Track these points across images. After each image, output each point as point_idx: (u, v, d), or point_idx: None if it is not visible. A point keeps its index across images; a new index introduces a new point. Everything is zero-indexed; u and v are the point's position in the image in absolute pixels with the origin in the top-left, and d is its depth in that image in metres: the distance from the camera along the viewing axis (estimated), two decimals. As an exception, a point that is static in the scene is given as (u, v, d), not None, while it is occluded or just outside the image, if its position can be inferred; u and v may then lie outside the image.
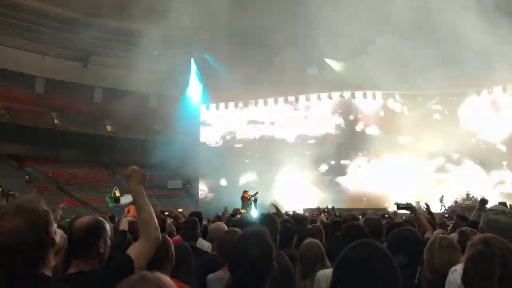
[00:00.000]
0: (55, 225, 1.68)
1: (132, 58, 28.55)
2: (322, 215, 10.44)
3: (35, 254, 1.58)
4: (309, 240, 3.53)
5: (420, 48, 24.70)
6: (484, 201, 5.69)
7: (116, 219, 7.18)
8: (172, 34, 29.64)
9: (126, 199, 11.99)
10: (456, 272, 2.32)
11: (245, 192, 18.82)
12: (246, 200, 16.85)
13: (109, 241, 2.24)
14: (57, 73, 32.26)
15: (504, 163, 25.16)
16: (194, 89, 32.06)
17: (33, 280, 1.57)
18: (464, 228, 3.67)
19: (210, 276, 3.12)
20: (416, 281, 2.34)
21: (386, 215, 9.54)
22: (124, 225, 3.90)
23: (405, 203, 5.56)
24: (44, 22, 31.26)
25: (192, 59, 32.02)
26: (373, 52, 25.90)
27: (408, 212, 5.96)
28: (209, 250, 4.17)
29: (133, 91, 30.32)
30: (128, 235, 3.71)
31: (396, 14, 22.30)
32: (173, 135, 28.57)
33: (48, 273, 1.62)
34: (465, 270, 1.98)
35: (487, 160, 24.95)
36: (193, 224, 4.51)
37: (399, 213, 9.24)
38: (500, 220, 2.69)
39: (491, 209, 2.82)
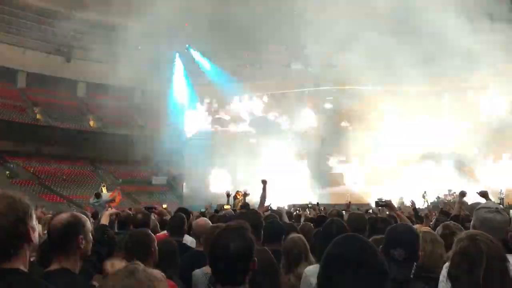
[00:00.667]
0: (35, 221, 1.65)
1: (116, 53, 28.27)
2: (307, 210, 10.50)
3: (7, 243, 1.53)
4: (293, 235, 3.54)
5: (402, 45, 24.95)
6: (463, 194, 5.81)
7: (99, 215, 7.14)
8: (156, 28, 29.39)
9: (107, 195, 11.94)
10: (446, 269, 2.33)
11: (237, 192, 18.92)
12: (237, 200, 16.77)
13: (90, 237, 2.21)
14: (39, 67, 31.76)
15: (485, 160, 25.62)
16: (179, 84, 31.90)
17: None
18: (448, 222, 3.71)
19: (196, 271, 3.11)
20: (411, 276, 2.35)
21: (370, 211, 9.62)
22: (104, 219, 3.87)
23: (383, 200, 5.65)
24: (25, 15, 30.73)
25: (177, 54, 31.84)
26: (356, 49, 26.09)
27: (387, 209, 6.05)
28: (193, 246, 4.16)
29: (117, 85, 30.05)
30: (108, 229, 3.67)
31: (379, 12, 22.51)
32: (158, 130, 28.41)
33: (23, 268, 1.58)
34: (451, 265, 1.99)
35: (465, 157, 25.41)
36: (181, 220, 4.50)
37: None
38: (495, 218, 2.72)
39: (484, 207, 2.84)
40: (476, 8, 21.98)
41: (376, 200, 5.53)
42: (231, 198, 13.11)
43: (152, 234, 3.08)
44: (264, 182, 6.42)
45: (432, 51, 23.34)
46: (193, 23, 28.91)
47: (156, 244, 2.94)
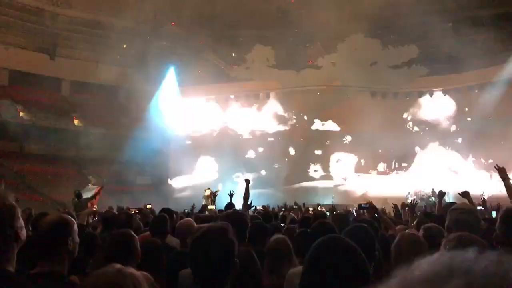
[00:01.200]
0: (21, 220, 1.65)
1: (101, 51, 28.03)
2: (292, 211, 10.52)
3: None
4: (276, 235, 3.57)
5: (388, 46, 25.26)
6: (442, 194, 5.91)
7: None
8: (142, 27, 29.25)
9: (88, 193, 11.84)
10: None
11: (208, 189, 19.03)
12: (207, 198, 16.73)
13: (77, 239, 2.21)
14: (22, 64, 31.30)
15: (470, 158, 26.01)
16: (165, 83, 31.74)
17: None
18: (429, 224, 3.78)
19: (182, 272, 3.12)
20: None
21: (353, 211, 9.70)
22: (82, 219, 3.86)
23: (366, 203, 5.71)
24: (8, 11, 30.27)
25: (163, 53, 31.66)
26: (342, 50, 26.34)
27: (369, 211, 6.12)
28: (178, 247, 4.17)
29: (102, 84, 29.72)
30: (88, 229, 3.67)
31: (366, 13, 22.72)
32: (143, 130, 28.24)
33: (11, 268, 1.59)
34: None
35: (451, 155, 25.78)
36: (163, 221, 4.49)
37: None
38: (467, 219, 2.79)
39: (458, 208, 2.92)
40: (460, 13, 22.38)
41: (359, 203, 5.62)
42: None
43: (135, 235, 3.07)
44: (247, 181, 6.46)
45: (418, 51, 23.69)
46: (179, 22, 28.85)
47: (138, 245, 2.93)
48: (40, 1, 29.84)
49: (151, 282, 2.40)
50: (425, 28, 23.85)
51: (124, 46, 30.36)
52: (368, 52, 25.98)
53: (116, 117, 33.21)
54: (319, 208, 14.13)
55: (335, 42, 27.40)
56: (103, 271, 1.28)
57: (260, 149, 28.78)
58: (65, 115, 32.36)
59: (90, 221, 6.22)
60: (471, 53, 22.52)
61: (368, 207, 5.93)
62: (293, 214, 9.44)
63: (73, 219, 2.27)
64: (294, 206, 11.92)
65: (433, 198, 21.45)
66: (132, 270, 1.32)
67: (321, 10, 24.73)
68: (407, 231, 3.81)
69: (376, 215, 5.50)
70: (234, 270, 1.83)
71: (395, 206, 7.41)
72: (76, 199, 11.11)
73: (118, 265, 1.30)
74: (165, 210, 5.62)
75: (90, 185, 21.65)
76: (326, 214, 6.49)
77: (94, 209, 8.56)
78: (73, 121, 32.47)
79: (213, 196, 17.04)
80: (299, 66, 29.03)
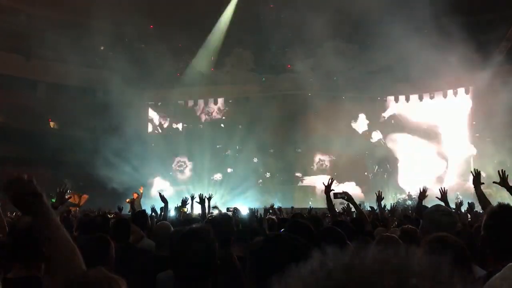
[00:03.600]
0: None
1: (79, 53, 27.68)
2: (269, 214, 10.52)
3: None
4: (257, 238, 3.58)
5: (365, 52, 25.63)
6: (424, 192, 6.03)
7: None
8: (120, 29, 28.98)
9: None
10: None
11: (134, 193, 19.10)
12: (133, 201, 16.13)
13: None
14: (-3, 66, 30.64)
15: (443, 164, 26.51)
16: (143, 86, 31.48)
17: None
18: (405, 226, 3.87)
19: (160, 275, 3.11)
20: None
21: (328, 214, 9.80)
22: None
23: (342, 192, 5.76)
24: (-18, 10, 29.67)
25: (142, 55, 31.43)
26: (321, 55, 26.60)
27: (345, 201, 6.18)
28: (153, 250, 4.16)
29: (78, 86, 29.31)
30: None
31: (341, 18, 23.04)
32: (120, 133, 27.96)
33: None
34: None
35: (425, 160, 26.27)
36: (125, 225, 4.53)
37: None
38: (442, 220, 2.85)
39: (434, 210, 2.97)
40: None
41: (334, 192, 5.63)
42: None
43: (110, 240, 3.04)
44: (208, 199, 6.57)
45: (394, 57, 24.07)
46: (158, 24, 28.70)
47: (113, 251, 2.91)
48: (16, 1, 29.31)
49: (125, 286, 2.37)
50: (402, 34, 24.25)
51: (102, 48, 30.00)
52: (346, 58, 26.28)
53: (93, 120, 32.73)
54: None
55: (313, 47, 27.64)
56: (83, 274, 1.27)
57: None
58: (41, 117, 31.77)
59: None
60: (446, 60, 23.03)
61: (344, 196, 5.98)
62: (273, 217, 9.45)
63: None
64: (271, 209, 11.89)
65: (409, 201, 21.80)
66: (111, 274, 1.31)
67: (300, 15, 24.95)
68: (385, 233, 3.87)
69: (352, 206, 5.58)
70: (215, 271, 1.83)
71: (372, 208, 7.52)
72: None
73: (100, 268, 1.29)
74: (140, 213, 5.60)
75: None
76: (303, 215, 6.54)
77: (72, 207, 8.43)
78: (48, 123, 31.91)
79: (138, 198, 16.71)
80: (278, 70, 29.18)
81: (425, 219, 2.94)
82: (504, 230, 2.14)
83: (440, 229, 2.65)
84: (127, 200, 19.05)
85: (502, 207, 2.27)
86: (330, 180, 5.41)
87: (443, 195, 6.00)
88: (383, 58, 24.77)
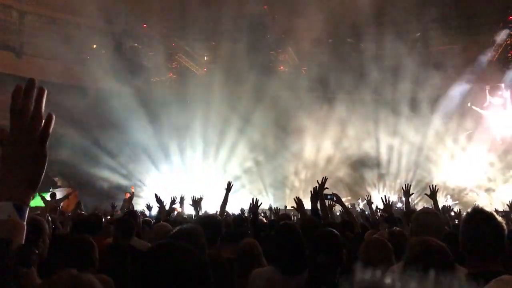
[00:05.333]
0: None
1: (70, 51, 27.51)
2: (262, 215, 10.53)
3: None
4: (247, 239, 3.59)
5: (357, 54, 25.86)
6: (407, 189, 6.18)
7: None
8: (113, 27, 28.85)
9: (62, 194, 11.56)
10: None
11: (127, 192, 19.00)
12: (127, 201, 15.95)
13: (47, 241, 2.13)
14: (-14, 62, 30.34)
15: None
16: (136, 85, 31.30)
17: None
18: (393, 228, 3.91)
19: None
20: (336, 280, 2.44)
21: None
22: (42, 214, 3.75)
23: (331, 193, 5.80)
24: (-29, 6, 29.39)
25: (134, 55, 31.30)
26: (313, 56, 26.80)
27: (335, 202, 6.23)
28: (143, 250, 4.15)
29: (70, 84, 29.11)
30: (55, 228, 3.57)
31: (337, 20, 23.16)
32: (110, 132, 27.84)
33: None
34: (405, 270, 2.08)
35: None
36: (126, 223, 4.50)
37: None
38: (432, 222, 2.88)
39: (422, 212, 3.01)
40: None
41: (325, 193, 5.65)
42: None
43: (93, 241, 2.97)
44: (228, 187, 6.49)
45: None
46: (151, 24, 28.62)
47: (97, 252, 2.85)
48: (6, -3, 29.11)
49: (110, 285, 2.34)
50: (394, 36, 24.46)
51: (94, 46, 29.83)
52: (337, 59, 26.39)
53: (84, 119, 32.48)
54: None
55: (306, 48, 27.71)
56: (57, 277, 1.25)
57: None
58: (31, 115, 31.49)
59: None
60: (439, 61, 23.29)
61: (333, 198, 6.02)
62: (262, 218, 9.46)
63: (44, 221, 2.19)
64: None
65: (399, 204, 21.90)
66: (88, 276, 1.29)
67: (293, 16, 25.02)
68: (374, 235, 3.90)
69: (342, 207, 5.62)
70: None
71: (363, 211, 7.58)
72: (50, 199, 10.91)
73: (74, 271, 1.28)
74: (130, 213, 5.59)
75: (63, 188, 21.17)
76: (291, 217, 6.57)
77: (55, 205, 8.38)
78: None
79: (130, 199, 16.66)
80: (271, 71, 29.18)
81: (413, 222, 2.98)
82: (477, 233, 2.20)
83: (428, 231, 2.68)
84: (127, 195, 18.87)
85: (475, 211, 2.34)
86: (324, 179, 5.42)
87: (433, 193, 6.09)
88: (375, 59, 24.99)
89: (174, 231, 2.02)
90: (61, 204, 8.95)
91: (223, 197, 6.29)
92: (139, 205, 18.81)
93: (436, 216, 2.99)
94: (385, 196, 6.58)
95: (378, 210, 10.05)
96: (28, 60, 32.00)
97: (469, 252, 2.24)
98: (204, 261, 1.42)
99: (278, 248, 2.94)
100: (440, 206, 8.19)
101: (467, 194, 25.53)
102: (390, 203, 5.96)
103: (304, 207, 5.61)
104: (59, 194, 11.91)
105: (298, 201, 5.67)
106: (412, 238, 2.36)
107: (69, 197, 9.70)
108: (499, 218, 2.26)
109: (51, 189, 20.03)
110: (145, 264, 1.34)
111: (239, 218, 6.26)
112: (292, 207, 6.26)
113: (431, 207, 6.04)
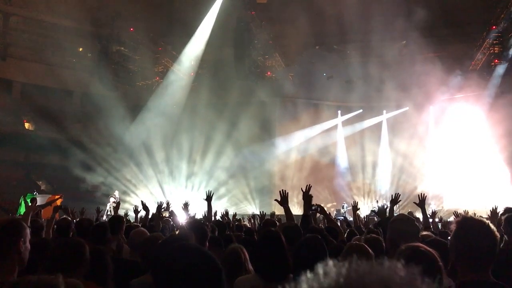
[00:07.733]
0: None
1: (56, 54, 27.28)
2: (247, 220, 10.56)
3: None
4: (233, 245, 3.61)
5: (345, 61, 26.05)
6: (396, 197, 6.18)
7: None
8: (100, 31, 28.66)
9: (44, 199, 11.39)
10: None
11: (111, 196, 18.94)
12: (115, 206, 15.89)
13: (29, 244, 2.10)
14: (-30, 64, 29.97)
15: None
16: (121, 89, 31.12)
17: None
18: (368, 235, 3.99)
19: (134, 281, 3.09)
20: None
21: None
22: (25, 219, 3.71)
23: (315, 205, 5.84)
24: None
25: (121, 59, 31.06)
26: (300, 62, 26.95)
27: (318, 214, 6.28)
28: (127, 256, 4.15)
29: (55, 88, 28.84)
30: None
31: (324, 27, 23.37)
32: (96, 136, 27.63)
33: None
34: None
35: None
36: (103, 228, 4.50)
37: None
38: (407, 229, 2.93)
39: (398, 219, 3.06)
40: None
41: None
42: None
43: (84, 243, 2.96)
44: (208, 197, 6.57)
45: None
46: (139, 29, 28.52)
47: (88, 254, 2.84)
48: (-8, -1, 28.79)
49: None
50: (382, 44, 24.74)
51: (80, 49, 29.64)
52: (325, 66, 26.58)
53: (68, 122, 32.17)
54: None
55: (293, 55, 27.90)
56: (38, 279, 1.25)
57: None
58: (16, 118, 31.15)
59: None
60: (424, 70, 23.58)
61: (317, 208, 6.06)
62: (247, 223, 9.46)
63: (25, 224, 2.16)
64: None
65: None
66: (73, 280, 1.29)
67: (281, 22, 25.15)
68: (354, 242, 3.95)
69: (325, 216, 5.65)
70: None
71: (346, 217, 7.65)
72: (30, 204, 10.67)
73: (59, 275, 1.27)
74: (115, 219, 5.57)
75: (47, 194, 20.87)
76: (276, 223, 6.59)
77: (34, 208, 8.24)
78: (23, 124, 31.29)
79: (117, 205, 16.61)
80: (258, 77, 29.21)
81: (389, 228, 3.02)
82: (468, 241, 2.21)
83: (404, 237, 2.73)
84: (111, 199, 18.74)
85: (466, 219, 2.34)
86: (308, 187, 5.45)
87: (421, 201, 6.17)
88: (362, 67, 25.22)
89: (165, 237, 2.04)
90: (42, 210, 8.80)
91: (206, 207, 6.40)
92: (123, 210, 18.70)
93: (411, 222, 3.05)
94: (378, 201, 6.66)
95: (373, 213, 10.16)
96: (12, 63, 31.66)
97: (459, 260, 2.26)
98: (220, 265, 1.48)
99: (259, 255, 2.97)
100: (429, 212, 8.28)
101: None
102: (386, 207, 5.99)
103: (290, 211, 5.61)
104: (40, 200, 11.72)
105: (286, 211, 5.65)
106: (402, 245, 2.39)
107: (51, 204, 9.50)
108: (492, 226, 2.25)
109: (35, 193, 19.80)
110: (170, 267, 1.41)
111: (221, 223, 6.28)
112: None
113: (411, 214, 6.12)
